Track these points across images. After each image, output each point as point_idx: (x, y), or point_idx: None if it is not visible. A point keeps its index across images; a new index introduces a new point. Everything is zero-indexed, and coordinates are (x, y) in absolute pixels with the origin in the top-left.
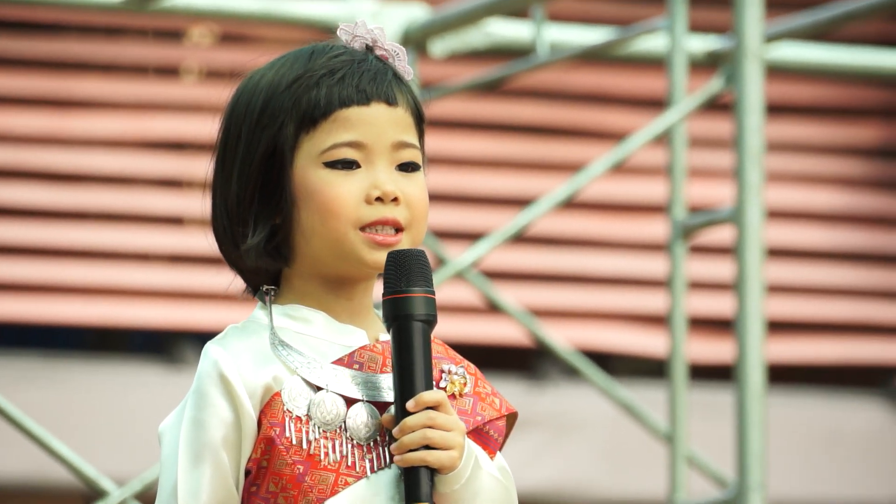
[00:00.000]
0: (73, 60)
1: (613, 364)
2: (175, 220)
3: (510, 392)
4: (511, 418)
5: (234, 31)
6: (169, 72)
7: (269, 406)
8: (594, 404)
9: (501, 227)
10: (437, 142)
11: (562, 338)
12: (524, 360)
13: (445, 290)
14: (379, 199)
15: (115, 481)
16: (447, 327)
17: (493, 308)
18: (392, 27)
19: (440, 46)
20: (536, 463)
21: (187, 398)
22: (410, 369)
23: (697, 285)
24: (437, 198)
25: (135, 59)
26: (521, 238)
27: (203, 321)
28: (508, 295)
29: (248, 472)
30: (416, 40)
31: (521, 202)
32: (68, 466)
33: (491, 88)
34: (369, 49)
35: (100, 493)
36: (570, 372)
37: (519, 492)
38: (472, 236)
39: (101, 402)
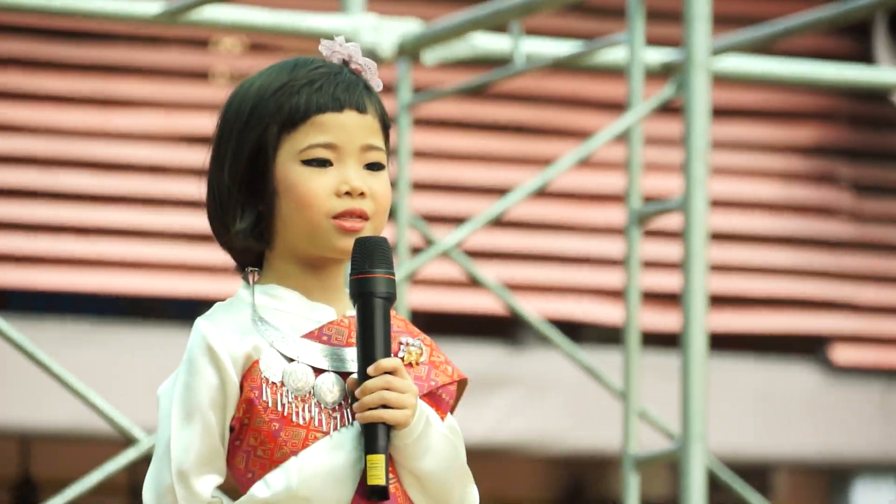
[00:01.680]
0: (118, 64)
1: (579, 332)
2: (197, 204)
3: (490, 356)
4: (462, 384)
5: (260, 41)
6: (200, 76)
7: (250, 372)
8: (561, 367)
9: (482, 212)
10: (430, 138)
11: (534, 309)
12: (503, 329)
13: (433, 267)
14: (348, 193)
15: (146, 430)
16: (435, 299)
17: (474, 283)
18: (389, 39)
19: (431, 56)
20: (513, 418)
21: (180, 366)
22: (372, 339)
23: (650, 264)
24: (427, 187)
25: (171, 64)
26: (499, 222)
27: (221, 291)
28: (488, 271)
29: (232, 429)
30: (410, 50)
31: (500, 191)
32: (105, 417)
33: (475, 93)
34: (345, 63)
35: (132, 441)
36: (542, 339)
37: (497, 442)
38: (457, 220)
39: (137, 362)
